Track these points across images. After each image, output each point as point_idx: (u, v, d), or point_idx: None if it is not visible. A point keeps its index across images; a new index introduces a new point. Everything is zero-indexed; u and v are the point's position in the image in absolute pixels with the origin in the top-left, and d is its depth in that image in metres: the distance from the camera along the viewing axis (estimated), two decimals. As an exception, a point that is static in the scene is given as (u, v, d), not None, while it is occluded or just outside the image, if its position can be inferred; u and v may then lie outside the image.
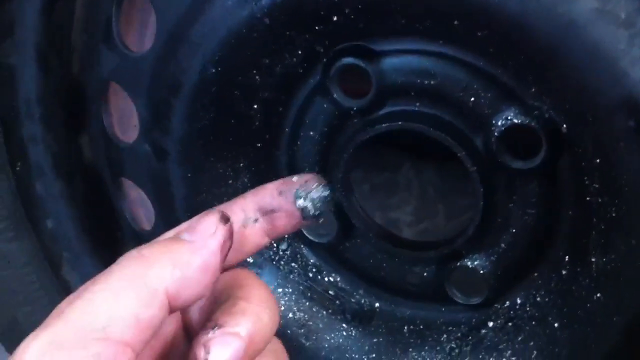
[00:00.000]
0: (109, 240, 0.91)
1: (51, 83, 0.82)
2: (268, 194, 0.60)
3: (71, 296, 0.48)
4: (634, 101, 0.55)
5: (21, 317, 0.91)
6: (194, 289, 0.49)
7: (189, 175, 0.76)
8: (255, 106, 0.72)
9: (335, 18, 0.63)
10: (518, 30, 0.56)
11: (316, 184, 0.65)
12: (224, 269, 0.53)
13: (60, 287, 0.90)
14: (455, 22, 0.59)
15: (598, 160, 0.59)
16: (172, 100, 0.71)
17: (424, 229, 1.32)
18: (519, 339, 0.71)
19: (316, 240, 0.79)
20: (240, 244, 0.57)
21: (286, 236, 0.80)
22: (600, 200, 0.61)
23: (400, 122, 0.67)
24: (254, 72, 0.69)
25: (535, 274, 0.71)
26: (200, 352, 0.47)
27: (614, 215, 0.60)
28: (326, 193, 0.65)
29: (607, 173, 0.59)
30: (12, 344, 0.95)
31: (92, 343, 0.44)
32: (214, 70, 0.68)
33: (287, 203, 0.61)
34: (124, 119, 0.82)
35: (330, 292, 0.80)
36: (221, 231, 0.51)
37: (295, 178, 0.64)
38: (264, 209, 0.60)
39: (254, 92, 0.71)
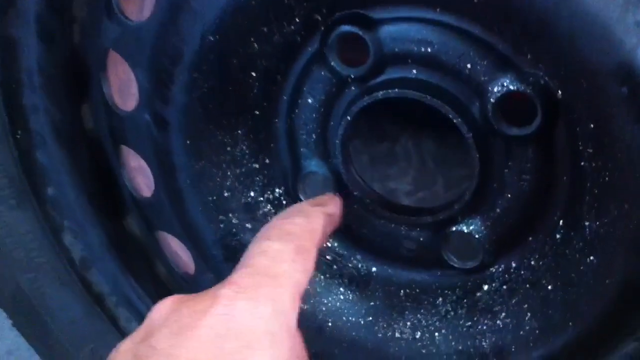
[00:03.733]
0: (110, 208, 0.91)
1: (52, 53, 0.81)
2: None
3: None
4: (628, 68, 0.55)
5: (25, 284, 0.91)
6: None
7: (188, 143, 0.76)
8: (254, 74, 0.72)
9: (333, -14, 0.63)
10: (513, -1, 0.56)
11: None
12: None
13: (61, 254, 0.90)
14: (452, -11, 0.59)
15: (592, 126, 0.59)
16: (172, 69, 0.71)
17: (421, 197, 1.33)
18: (513, 301, 0.72)
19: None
20: None
21: (284, 202, 0.80)
22: (594, 165, 0.61)
23: (397, 90, 0.67)
24: (253, 40, 0.69)
25: (530, 239, 0.71)
26: None
27: (607, 179, 0.61)
28: None
29: (601, 138, 0.59)
30: (16, 311, 0.95)
31: None
32: (212, 39, 0.68)
33: None
34: (125, 87, 0.82)
35: (327, 257, 0.80)
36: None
37: None
38: None
39: (253, 60, 0.71)
